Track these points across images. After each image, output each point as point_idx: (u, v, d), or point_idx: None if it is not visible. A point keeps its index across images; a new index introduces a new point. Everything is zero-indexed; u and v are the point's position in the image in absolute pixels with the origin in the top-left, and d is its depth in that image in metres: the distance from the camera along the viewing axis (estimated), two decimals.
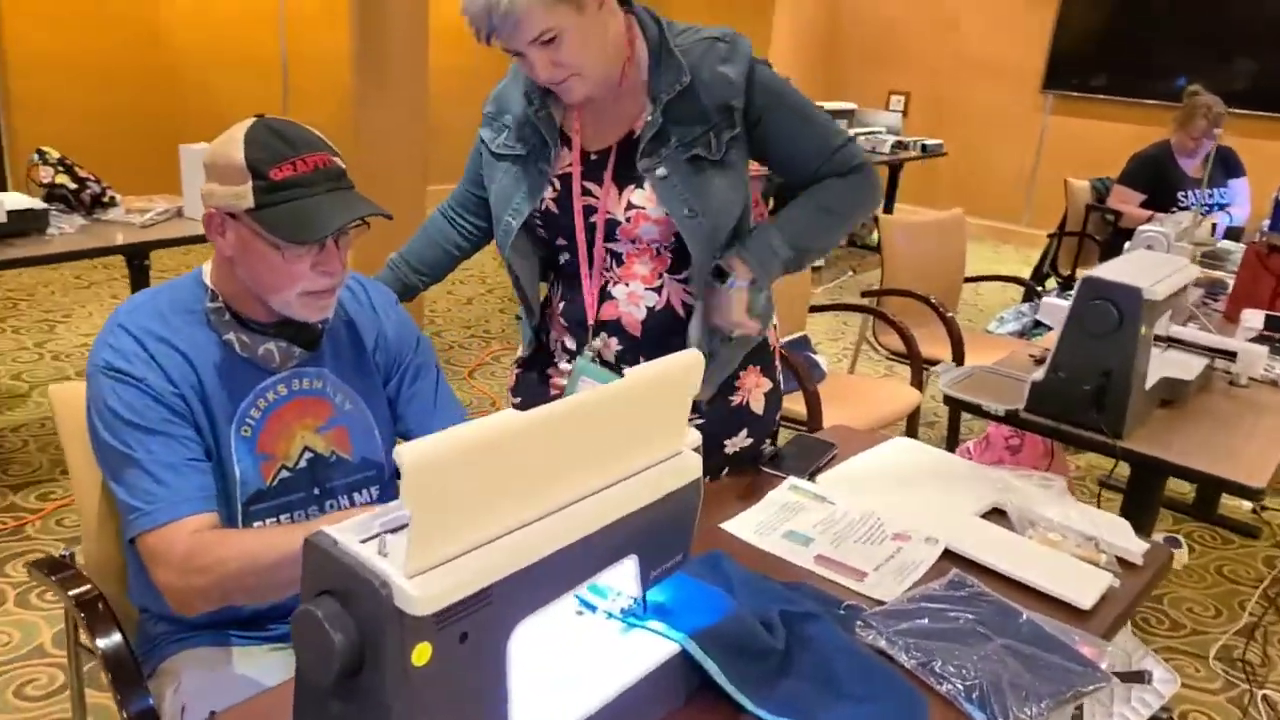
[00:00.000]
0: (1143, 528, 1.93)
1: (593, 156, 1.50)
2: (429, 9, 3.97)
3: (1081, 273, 2.07)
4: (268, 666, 1.31)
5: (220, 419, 1.27)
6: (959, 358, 3.07)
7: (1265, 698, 2.35)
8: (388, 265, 1.72)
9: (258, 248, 1.21)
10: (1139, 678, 1.74)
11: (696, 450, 0.99)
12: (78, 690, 1.53)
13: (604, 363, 1.58)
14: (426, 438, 0.71)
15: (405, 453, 0.68)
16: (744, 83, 1.44)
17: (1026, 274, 4.95)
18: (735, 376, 1.60)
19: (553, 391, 1.67)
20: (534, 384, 1.71)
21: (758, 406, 1.64)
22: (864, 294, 3.46)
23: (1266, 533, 3.16)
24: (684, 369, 0.94)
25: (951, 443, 3.22)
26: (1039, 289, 4.23)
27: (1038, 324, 3.59)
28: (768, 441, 1.69)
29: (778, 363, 1.68)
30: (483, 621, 0.78)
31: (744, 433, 1.64)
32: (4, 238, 2.58)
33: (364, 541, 0.77)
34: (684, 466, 0.97)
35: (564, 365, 1.65)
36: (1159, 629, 2.59)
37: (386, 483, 1.42)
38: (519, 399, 1.73)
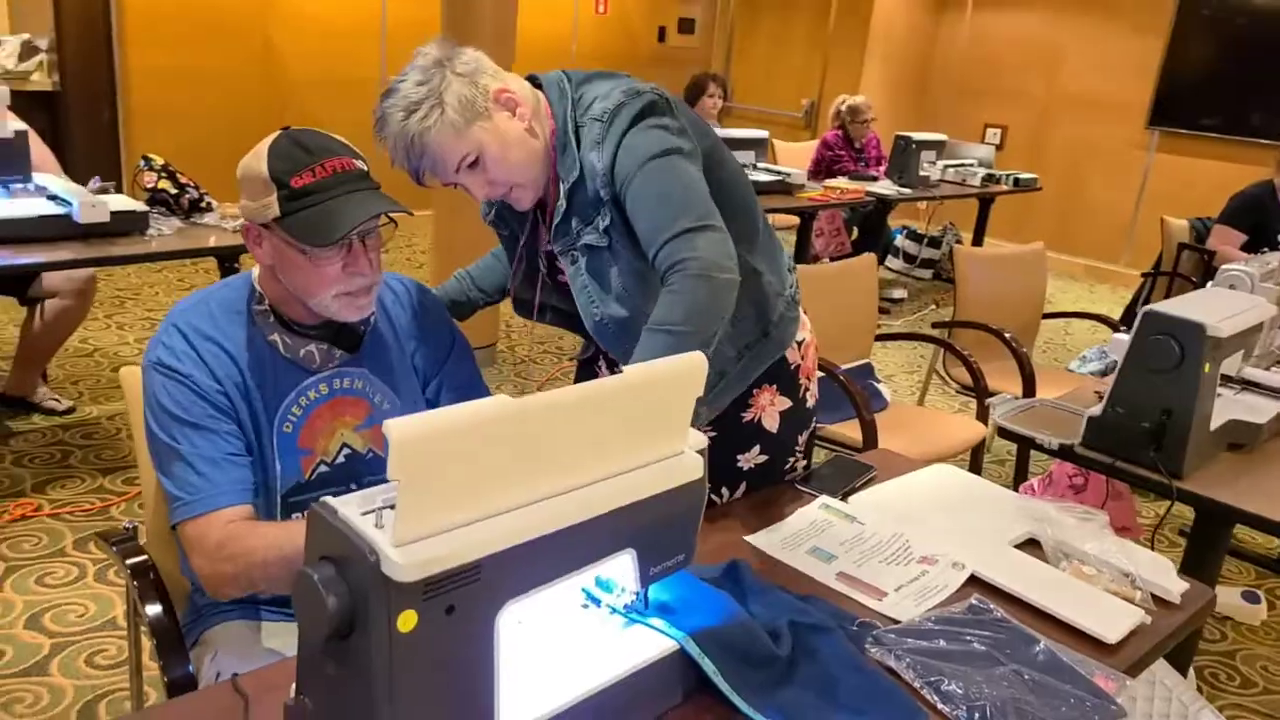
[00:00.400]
0: (1205, 574, 1.86)
1: None
2: (516, 28, 4.11)
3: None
4: (295, 641, 1.37)
5: (262, 415, 1.34)
6: (1030, 393, 2.99)
7: None
8: (454, 277, 1.77)
9: (289, 255, 1.28)
10: None
11: (701, 453, 1.01)
12: (135, 659, 1.62)
13: None
14: (417, 414, 0.75)
15: (393, 428, 0.73)
16: (608, 173, 1.39)
17: (1120, 315, 4.80)
18: (749, 394, 1.60)
19: None
20: (586, 376, 1.75)
21: (771, 424, 1.63)
22: (934, 325, 3.40)
23: None
24: (686, 370, 0.96)
25: (1019, 479, 3.14)
26: (1121, 328, 4.10)
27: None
28: (793, 459, 1.68)
29: (805, 382, 1.66)
30: (470, 596, 0.81)
31: (756, 449, 1.63)
32: (108, 236, 2.76)
33: (365, 514, 0.82)
34: (685, 466, 0.98)
35: (604, 370, 1.69)
36: (1229, 685, 2.47)
37: None
38: None
